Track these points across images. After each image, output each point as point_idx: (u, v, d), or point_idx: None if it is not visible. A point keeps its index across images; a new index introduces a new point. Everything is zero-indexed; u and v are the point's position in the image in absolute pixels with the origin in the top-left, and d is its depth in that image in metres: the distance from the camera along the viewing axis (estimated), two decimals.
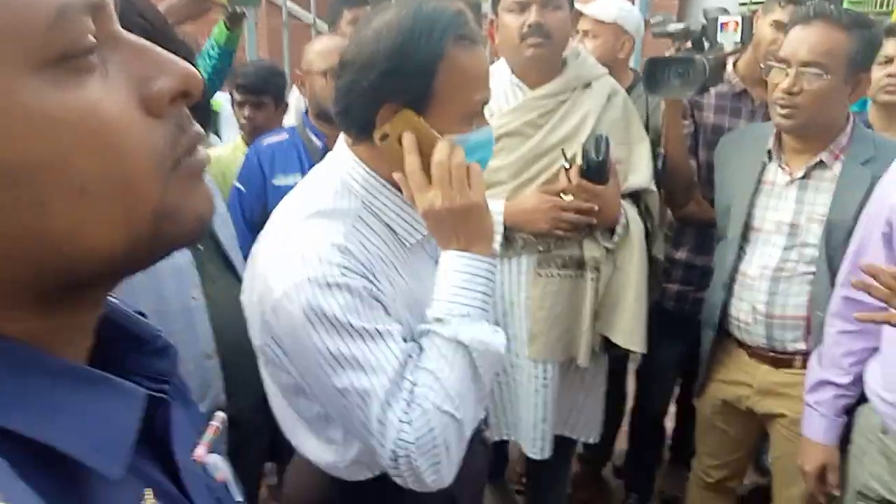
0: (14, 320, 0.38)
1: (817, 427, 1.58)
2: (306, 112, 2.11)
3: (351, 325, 0.92)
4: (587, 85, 1.77)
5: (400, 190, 1.02)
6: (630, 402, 2.52)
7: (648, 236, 1.80)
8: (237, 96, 2.33)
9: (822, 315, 1.59)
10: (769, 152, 1.69)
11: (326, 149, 1.87)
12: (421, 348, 0.98)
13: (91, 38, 0.37)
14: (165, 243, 0.42)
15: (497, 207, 1.70)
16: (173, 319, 1.27)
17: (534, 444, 1.83)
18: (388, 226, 1.03)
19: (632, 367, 2.47)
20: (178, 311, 1.28)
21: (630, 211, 1.76)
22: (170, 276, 1.27)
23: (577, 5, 2.02)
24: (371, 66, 0.95)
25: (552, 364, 1.77)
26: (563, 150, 1.69)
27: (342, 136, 1.07)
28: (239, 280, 1.40)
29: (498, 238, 1.70)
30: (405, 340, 0.98)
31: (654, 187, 1.84)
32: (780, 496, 1.81)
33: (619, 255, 1.75)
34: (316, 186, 1.05)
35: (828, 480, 1.57)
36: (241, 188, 2.07)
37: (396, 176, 1.00)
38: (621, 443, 2.56)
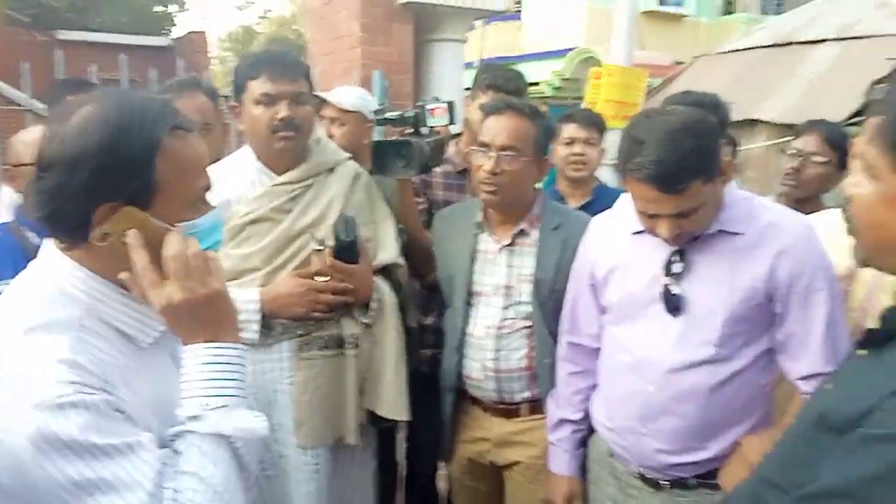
0: None
1: (561, 462, 1.78)
2: (21, 207, 1.89)
3: (94, 446, 0.83)
4: (331, 170, 1.86)
5: (128, 290, 0.96)
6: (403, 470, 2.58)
7: (402, 307, 1.91)
8: None
9: (548, 362, 1.81)
10: (479, 224, 1.92)
11: None
12: (177, 451, 0.92)
13: None
14: None
15: (252, 295, 1.68)
16: None
17: None
18: (118, 330, 0.97)
19: (401, 436, 2.54)
20: None
21: (382, 286, 1.86)
22: None
23: (320, 93, 2.13)
24: (80, 165, 0.89)
25: (322, 448, 1.76)
26: (312, 233, 1.74)
27: (50, 240, 0.98)
28: None
29: (255, 327, 1.67)
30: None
31: (402, 261, 1.96)
32: None
33: (376, 329, 1.82)
34: (25, 297, 0.94)
35: None
36: None
37: (123, 276, 0.94)
38: None
